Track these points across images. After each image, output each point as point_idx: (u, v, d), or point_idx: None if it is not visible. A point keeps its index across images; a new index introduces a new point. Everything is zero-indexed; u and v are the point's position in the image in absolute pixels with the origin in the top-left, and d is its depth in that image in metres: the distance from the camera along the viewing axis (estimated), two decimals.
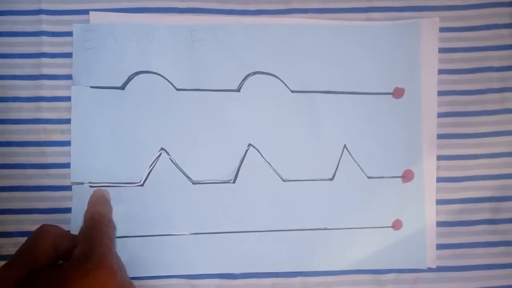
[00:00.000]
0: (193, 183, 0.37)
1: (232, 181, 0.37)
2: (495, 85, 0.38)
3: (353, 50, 0.38)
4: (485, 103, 0.38)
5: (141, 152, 0.37)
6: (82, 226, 0.31)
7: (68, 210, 0.37)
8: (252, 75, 0.38)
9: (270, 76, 0.38)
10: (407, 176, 0.38)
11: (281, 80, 0.38)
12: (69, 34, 0.37)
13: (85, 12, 0.37)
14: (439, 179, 0.38)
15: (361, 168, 0.38)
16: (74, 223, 0.36)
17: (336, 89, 0.38)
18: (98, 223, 0.31)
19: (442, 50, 0.38)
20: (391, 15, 0.38)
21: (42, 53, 0.37)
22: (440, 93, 0.38)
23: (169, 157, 0.37)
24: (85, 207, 0.36)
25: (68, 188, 0.37)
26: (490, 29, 0.38)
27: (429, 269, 0.37)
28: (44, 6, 0.37)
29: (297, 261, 0.37)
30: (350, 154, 0.38)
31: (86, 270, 0.26)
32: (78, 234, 0.30)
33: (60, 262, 0.30)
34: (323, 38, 0.38)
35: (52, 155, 0.37)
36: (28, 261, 0.27)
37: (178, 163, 0.37)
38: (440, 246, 0.38)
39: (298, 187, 0.37)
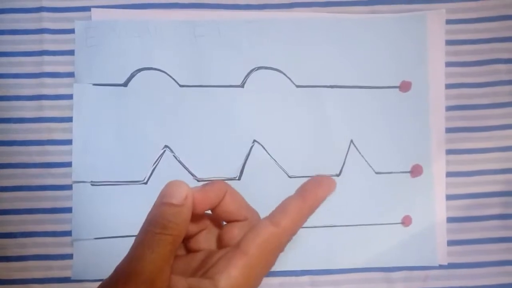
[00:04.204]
0: (198, 181, 0.36)
1: (237, 178, 0.37)
2: (504, 77, 0.37)
3: (358, 43, 0.37)
4: (494, 96, 0.37)
5: (145, 150, 0.36)
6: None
7: (71, 210, 0.36)
8: (256, 70, 0.37)
9: (275, 71, 0.37)
10: (415, 171, 0.37)
11: (286, 75, 0.37)
12: (71, 31, 0.37)
13: (87, 9, 0.37)
14: (449, 174, 0.37)
15: (368, 164, 0.37)
16: (75, 223, 0.36)
17: (341, 83, 0.37)
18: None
19: (449, 43, 0.37)
20: (396, 7, 0.38)
21: (44, 50, 0.37)
22: (448, 86, 0.37)
23: (173, 154, 0.37)
24: (86, 206, 0.36)
25: (70, 187, 0.36)
26: (498, 20, 0.37)
27: (440, 266, 0.37)
28: (45, 4, 0.37)
29: (305, 260, 0.36)
30: (357, 149, 0.37)
31: None
32: None
33: None
34: (327, 32, 0.37)
35: (54, 154, 0.37)
36: None
37: (182, 161, 0.37)
38: (451, 243, 0.37)
39: None
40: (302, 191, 0.23)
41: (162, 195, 0.21)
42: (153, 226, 0.20)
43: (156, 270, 0.19)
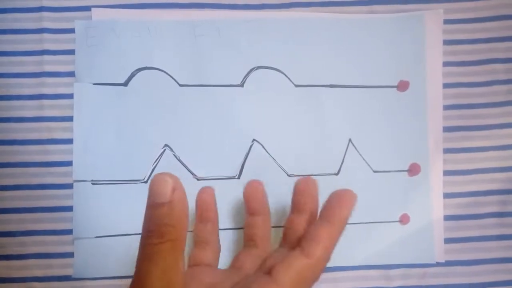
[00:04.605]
0: (198, 179, 0.37)
1: (237, 177, 0.37)
2: (501, 77, 0.38)
3: (357, 43, 0.38)
4: (491, 95, 0.38)
5: (145, 149, 0.37)
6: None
7: (71, 209, 0.36)
8: (256, 69, 0.37)
9: (274, 71, 0.37)
10: (413, 169, 0.37)
11: (285, 75, 0.37)
12: (71, 31, 0.37)
13: (87, 8, 0.37)
14: (446, 173, 0.37)
15: (366, 162, 0.37)
16: (76, 222, 0.36)
17: (340, 83, 0.37)
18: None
19: (446, 42, 0.38)
20: (394, 7, 0.38)
21: (44, 50, 0.37)
22: (446, 86, 0.38)
23: (173, 153, 0.37)
24: (87, 205, 0.36)
25: (71, 186, 0.36)
26: (495, 20, 0.38)
27: (438, 264, 0.37)
28: (46, 3, 0.37)
29: None
30: (355, 148, 0.37)
31: None
32: None
33: None
34: (326, 32, 0.38)
35: (54, 153, 0.37)
36: None
37: (182, 160, 0.37)
38: (448, 240, 0.37)
39: None
40: (327, 215, 0.22)
41: (149, 194, 0.20)
42: (150, 236, 0.19)
43: (167, 284, 0.19)
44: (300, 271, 0.20)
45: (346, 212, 0.22)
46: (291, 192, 0.36)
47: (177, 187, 0.19)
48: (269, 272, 0.20)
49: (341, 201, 0.22)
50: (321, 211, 0.22)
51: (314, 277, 0.21)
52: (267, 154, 0.37)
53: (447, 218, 0.37)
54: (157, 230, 0.19)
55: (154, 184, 0.20)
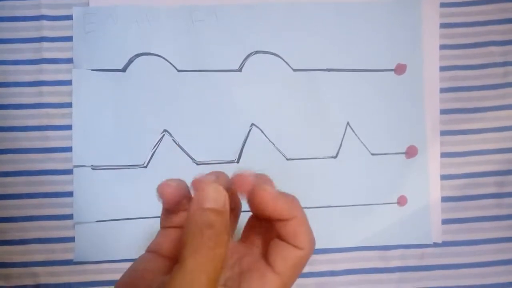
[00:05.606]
0: (197, 164, 0.37)
1: (236, 161, 0.37)
2: (498, 59, 0.38)
3: (354, 27, 0.38)
4: (488, 78, 0.38)
5: (144, 134, 0.37)
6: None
7: (71, 194, 0.37)
8: (254, 54, 0.37)
9: (272, 55, 0.38)
10: (410, 152, 0.38)
11: (283, 59, 0.38)
12: (69, 17, 0.37)
13: None
14: (443, 154, 0.38)
15: (364, 145, 0.38)
16: (76, 207, 0.36)
17: (338, 67, 0.38)
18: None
19: (443, 25, 0.38)
20: None
21: (42, 37, 0.37)
22: (442, 69, 0.38)
23: (172, 138, 0.37)
24: (87, 190, 0.36)
25: (71, 172, 0.37)
26: (492, 3, 0.38)
27: (435, 244, 0.37)
28: None
29: None
30: (353, 131, 0.38)
31: None
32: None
33: None
34: (324, 16, 0.38)
35: (54, 139, 0.37)
36: None
37: (181, 144, 0.37)
38: (445, 221, 0.37)
39: (302, 166, 0.37)
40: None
41: (200, 197, 0.19)
42: (205, 244, 0.18)
43: None
44: (298, 262, 0.22)
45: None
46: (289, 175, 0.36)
47: (227, 197, 0.20)
48: (267, 260, 0.22)
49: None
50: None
51: (306, 261, 0.23)
52: (266, 138, 0.37)
53: (445, 199, 0.38)
54: (214, 237, 0.19)
55: (209, 189, 0.19)
